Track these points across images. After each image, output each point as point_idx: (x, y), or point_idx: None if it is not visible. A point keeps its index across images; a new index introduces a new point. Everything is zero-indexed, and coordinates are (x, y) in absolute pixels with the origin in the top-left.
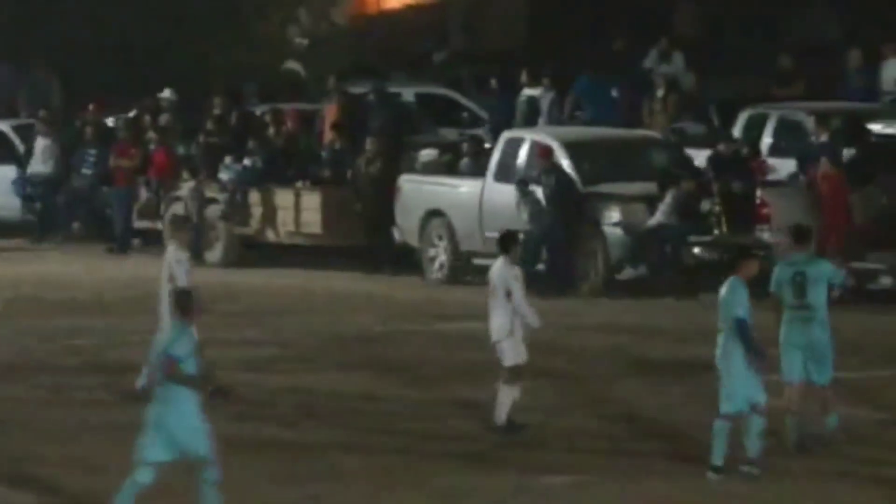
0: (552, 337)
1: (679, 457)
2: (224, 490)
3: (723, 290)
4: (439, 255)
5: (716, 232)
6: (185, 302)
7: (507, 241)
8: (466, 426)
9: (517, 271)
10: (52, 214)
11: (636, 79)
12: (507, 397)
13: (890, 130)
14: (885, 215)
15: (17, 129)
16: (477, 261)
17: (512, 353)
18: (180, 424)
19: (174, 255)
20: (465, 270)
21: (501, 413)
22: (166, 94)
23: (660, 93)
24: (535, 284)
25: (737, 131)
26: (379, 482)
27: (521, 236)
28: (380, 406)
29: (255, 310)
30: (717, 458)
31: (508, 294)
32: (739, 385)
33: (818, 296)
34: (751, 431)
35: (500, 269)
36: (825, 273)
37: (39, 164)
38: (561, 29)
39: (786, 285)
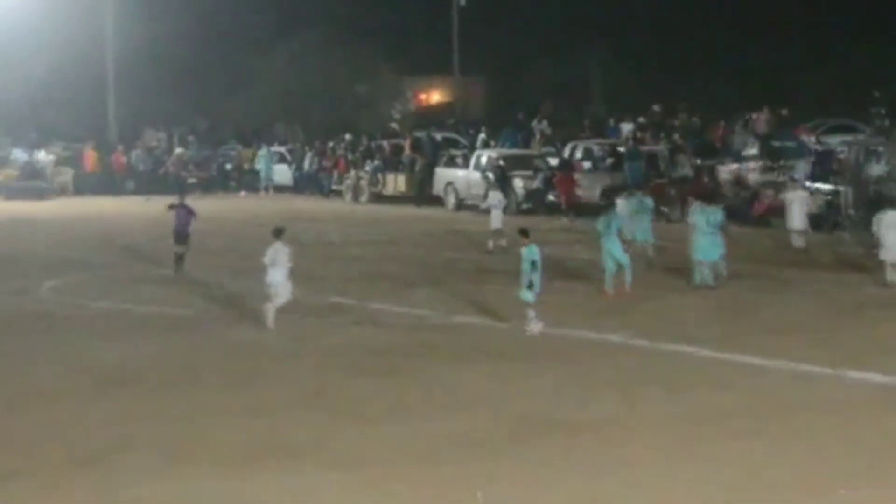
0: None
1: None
2: None
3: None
4: (451, 199)
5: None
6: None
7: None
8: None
9: None
10: (304, 185)
11: (528, 130)
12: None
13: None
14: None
15: (288, 150)
16: (467, 202)
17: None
18: (616, 250)
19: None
20: (461, 207)
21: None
22: (347, 136)
23: (537, 136)
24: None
25: (566, 152)
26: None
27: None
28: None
29: (379, 220)
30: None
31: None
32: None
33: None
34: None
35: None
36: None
37: (306, 165)
38: (495, 110)
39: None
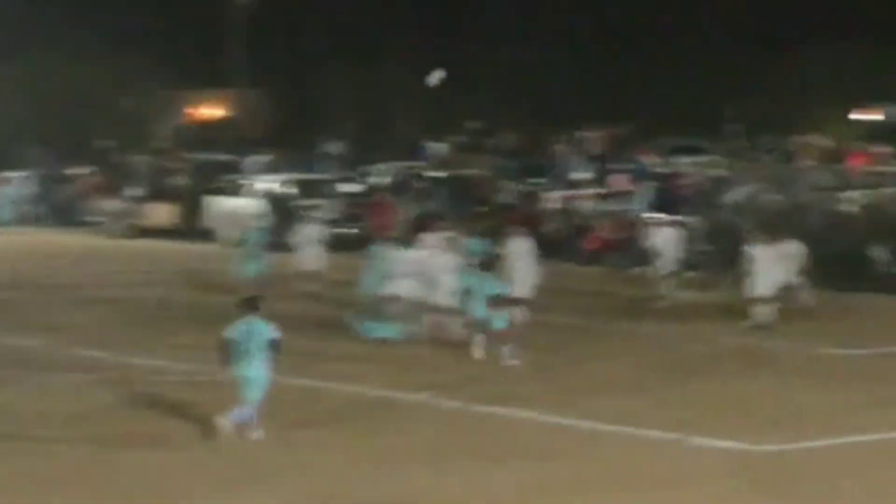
0: None
1: None
2: None
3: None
4: (224, 233)
5: None
6: None
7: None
8: None
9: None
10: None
11: (323, 153)
12: None
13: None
14: None
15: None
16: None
17: None
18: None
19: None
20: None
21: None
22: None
23: (332, 159)
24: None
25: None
26: None
27: None
28: None
29: (139, 257)
30: None
31: None
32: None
33: None
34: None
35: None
36: None
37: (27, 190)
38: (283, 128)
39: None
